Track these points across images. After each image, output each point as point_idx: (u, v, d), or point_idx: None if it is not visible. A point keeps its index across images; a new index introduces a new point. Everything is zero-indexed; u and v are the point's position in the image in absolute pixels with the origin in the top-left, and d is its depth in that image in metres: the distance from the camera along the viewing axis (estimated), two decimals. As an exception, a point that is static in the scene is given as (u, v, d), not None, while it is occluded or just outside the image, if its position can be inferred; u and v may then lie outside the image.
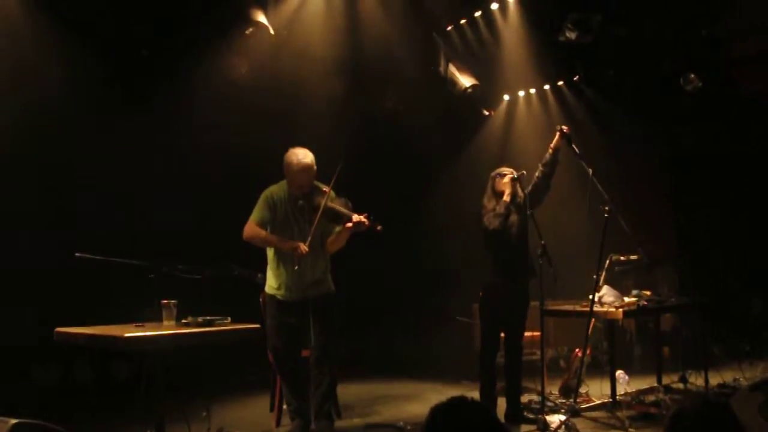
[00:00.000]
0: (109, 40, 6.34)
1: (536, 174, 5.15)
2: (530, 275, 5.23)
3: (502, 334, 5.32)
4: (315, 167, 4.71)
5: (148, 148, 6.51)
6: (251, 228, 4.72)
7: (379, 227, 4.52)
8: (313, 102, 7.18)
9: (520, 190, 5.18)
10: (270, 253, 4.84)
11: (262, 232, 4.71)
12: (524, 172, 5.12)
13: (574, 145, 5.04)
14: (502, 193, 5.18)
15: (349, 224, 4.55)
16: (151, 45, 6.54)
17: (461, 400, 1.91)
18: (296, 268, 4.56)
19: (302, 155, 4.69)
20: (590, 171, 4.94)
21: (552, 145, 5.12)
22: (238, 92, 6.79)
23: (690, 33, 7.48)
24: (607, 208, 4.85)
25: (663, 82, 7.86)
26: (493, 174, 5.31)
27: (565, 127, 5.11)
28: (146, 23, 6.30)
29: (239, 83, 6.79)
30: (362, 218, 4.53)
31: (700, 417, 1.99)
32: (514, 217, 5.16)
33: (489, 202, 5.23)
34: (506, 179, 5.16)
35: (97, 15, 6.12)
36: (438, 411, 1.89)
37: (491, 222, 5.10)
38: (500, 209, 5.11)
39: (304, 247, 4.53)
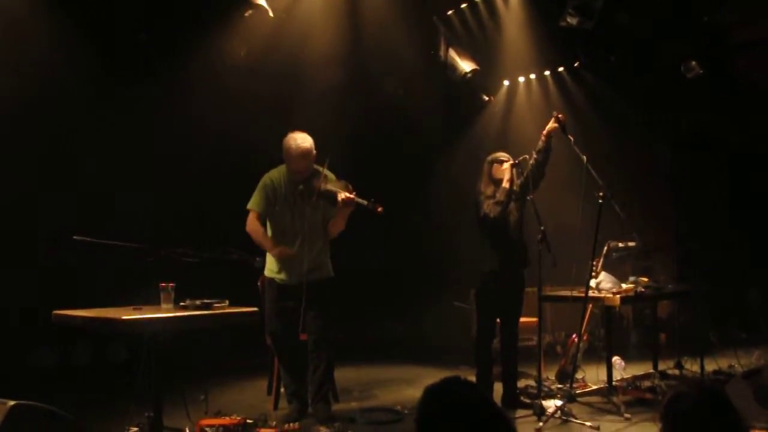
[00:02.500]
0: (108, 23, 6.29)
1: (530, 160, 5.11)
2: (526, 262, 5.24)
3: (498, 320, 5.33)
4: (314, 151, 4.70)
5: (146, 131, 6.49)
6: (252, 223, 4.78)
7: (379, 208, 4.52)
8: (313, 86, 7.15)
9: (515, 176, 5.14)
10: (270, 235, 4.85)
11: (260, 232, 4.77)
12: (526, 156, 5.07)
13: (569, 135, 5.01)
14: (499, 180, 5.15)
15: (340, 204, 4.55)
16: (150, 27, 6.50)
17: (455, 380, 1.92)
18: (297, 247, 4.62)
19: (301, 140, 4.67)
20: (584, 158, 4.92)
21: (545, 132, 5.08)
22: (237, 76, 6.76)
23: (691, 19, 7.44)
24: (601, 194, 4.84)
25: (664, 68, 7.83)
26: (489, 159, 5.26)
27: (560, 115, 5.08)
28: (144, 6, 6.26)
29: (238, 66, 6.76)
30: (351, 195, 4.54)
31: (696, 402, 2.00)
32: (512, 204, 5.15)
33: (486, 189, 5.19)
34: (505, 165, 5.12)
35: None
36: (431, 391, 1.90)
37: (492, 209, 5.06)
38: (501, 196, 5.07)
39: (288, 251, 4.67)
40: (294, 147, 4.66)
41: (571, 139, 4.99)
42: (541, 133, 5.10)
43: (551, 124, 5.04)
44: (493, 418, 1.87)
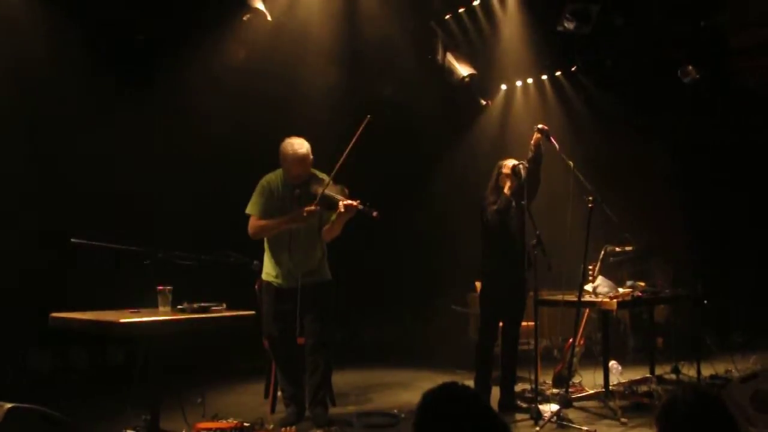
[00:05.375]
0: (105, 26, 6.30)
1: (523, 170, 5.16)
2: (528, 265, 5.26)
3: (501, 324, 5.35)
4: (311, 157, 4.71)
5: (145, 134, 6.49)
6: (253, 224, 4.73)
7: (375, 213, 4.52)
8: (311, 89, 7.16)
9: (516, 180, 5.18)
10: (267, 240, 4.84)
11: (266, 222, 4.71)
12: (524, 162, 5.14)
13: (553, 140, 5.07)
14: (503, 186, 5.20)
15: (341, 209, 4.55)
16: (147, 31, 6.51)
17: (452, 385, 1.92)
18: (290, 254, 4.59)
19: (298, 145, 4.68)
20: (571, 164, 4.97)
21: (532, 143, 5.18)
22: (236, 79, 6.77)
23: (688, 24, 7.46)
24: (591, 198, 4.87)
25: (661, 72, 7.85)
26: (499, 164, 5.33)
27: (541, 125, 5.15)
28: (142, 9, 6.27)
29: (237, 70, 6.77)
30: (354, 203, 4.54)
31: (692, 406, 2.01)
32: (513, 210, 5.19)
33: (491, 195, 5.27)
34: (505, 170, 5.20)
35: (92, 0, 6.10)
36: (430, 396, 1.90)
37: (492, 217, 5.15)
38: (501, 204, 5.14)
39: (310, 208, 4.53)
40: (291, 152, 4.67)
41: (557, 146, 5.05)
42: (530, 144, 5.19)
43: (536, 135, 5.13)
44: (491, 425, 1.88)
